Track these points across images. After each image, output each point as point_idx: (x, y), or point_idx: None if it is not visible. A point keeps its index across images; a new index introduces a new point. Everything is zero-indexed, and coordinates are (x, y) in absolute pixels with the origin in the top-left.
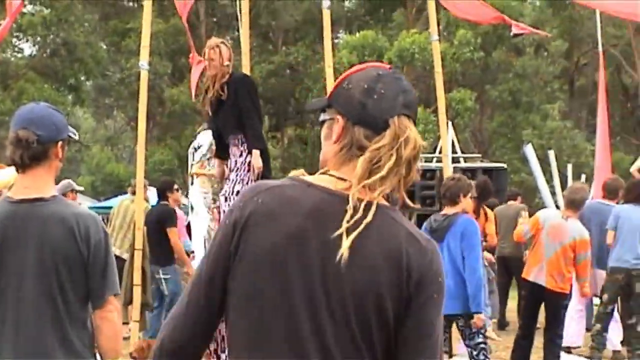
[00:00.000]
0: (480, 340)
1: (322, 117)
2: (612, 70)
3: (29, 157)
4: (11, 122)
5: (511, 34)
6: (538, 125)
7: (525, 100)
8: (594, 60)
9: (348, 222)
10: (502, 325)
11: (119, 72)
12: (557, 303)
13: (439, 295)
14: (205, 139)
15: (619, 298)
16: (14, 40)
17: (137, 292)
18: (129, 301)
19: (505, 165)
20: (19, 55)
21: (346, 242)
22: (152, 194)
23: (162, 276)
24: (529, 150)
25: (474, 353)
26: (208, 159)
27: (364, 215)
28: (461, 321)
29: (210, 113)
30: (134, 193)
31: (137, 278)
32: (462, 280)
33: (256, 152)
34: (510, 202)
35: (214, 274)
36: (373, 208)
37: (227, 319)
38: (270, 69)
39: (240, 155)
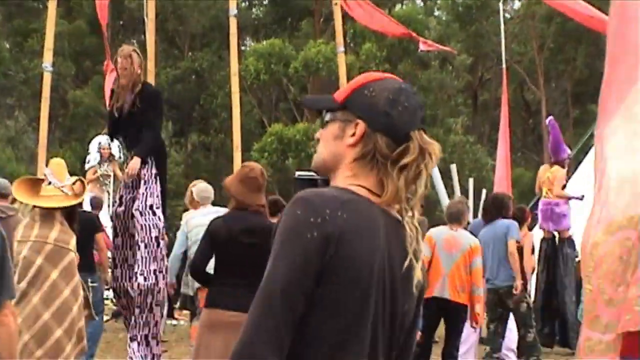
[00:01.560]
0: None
1: (329, 116)
2: (515, 87)
3: None
4: None
5: (419, 50)
6: (441, 138)
7: (429, 114)
8: (497, 75)
9: (411, 246)
10: None
11: (21, 72)
12: (458, 315)
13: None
14: (93, 145)
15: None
16: None
17: None
18: None
19: None
20: None
21: (418, 271)
22: None
23: (90, 285)
24: None
25: None
26: (99, 163)
27: (418, 240)
28: None
29: (117, 120)
30: None
31: None
32: None
33: (137, 160)
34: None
35: (306, 286)
36: (420, 232)
37: (305, 326)
38: (175, 74)
39: (146, 167)
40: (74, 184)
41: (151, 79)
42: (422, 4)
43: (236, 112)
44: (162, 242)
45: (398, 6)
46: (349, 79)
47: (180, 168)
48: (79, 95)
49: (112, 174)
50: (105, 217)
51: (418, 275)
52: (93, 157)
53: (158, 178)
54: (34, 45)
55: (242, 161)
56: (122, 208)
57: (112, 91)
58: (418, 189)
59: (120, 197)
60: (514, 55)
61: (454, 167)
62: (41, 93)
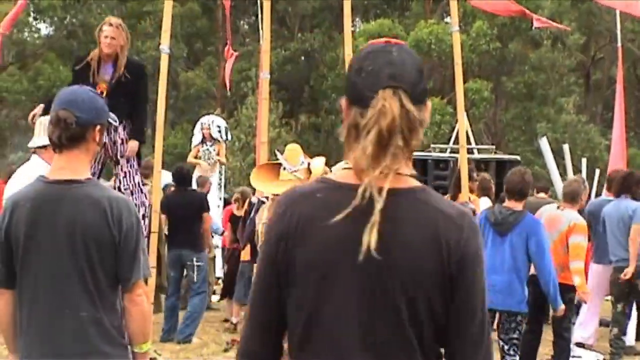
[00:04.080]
0: (515, 336)
1: None
2: (629, 65)
3: (66, 137)
4: (53, 103)
5: (533, 27)
6: (552, 118)
7: (541, 93)
8: (610, 54)
9: (369, 215)
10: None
11: (134, 54)
12: (561, 295)
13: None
14: (197, 125)
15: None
16: (31, 20)
17: (151, 274)
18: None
19: (518, 157)
20: (36, 35)
21: (366, 237)
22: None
23: (195, 263)
24: (544, 143)
25: (505, 347)
26: (202, 142)
27: (371, 204)
28: (504, 315)
29: (87, 81)
30: (144, 177)
31: (152, 260)
32: (519, 277)
33: (136, 143)
34: (541, 195)
35: (273, 289)
36: (383, 194)
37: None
38: (286, 55)
39: (123, 143)
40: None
41: (266, 59)
42: None
43: None
44: (146, 220)
45: None
46: (461, 58)
47: None
48: (190, 77)
49: (216, 156)
50: (213, 197)
51: (365, 242)
52: (196, 137)
53: (138, 155)
54: (146, 27)
55: None
56: None
57: (87, 62)
58: (367, 149)
59: (94, 174)
60: (627, 34)
61: (566, 147)
62: (156, 74)
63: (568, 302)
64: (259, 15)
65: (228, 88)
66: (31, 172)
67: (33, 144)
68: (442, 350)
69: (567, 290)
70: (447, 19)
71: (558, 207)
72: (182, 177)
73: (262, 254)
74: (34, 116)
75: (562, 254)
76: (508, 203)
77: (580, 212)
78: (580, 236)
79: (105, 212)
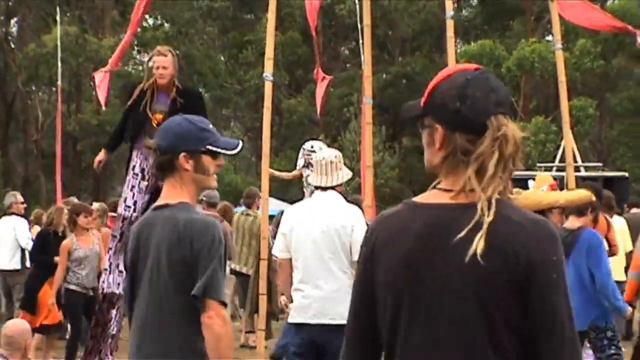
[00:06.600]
0: (612, 351)
1: (420, 124)
2: None
3: (156, 165)
4: None
5: (637, 44)
6: None
7: None
8: None
9: (472, 229)
10: (628, 335)
11: (236, 84)
12: None
13: (558, 275)
14: (301, 150)
15: None
16: (135, 53)
17: (262, 301)
18: (255, 310)
19: (626, 174)
20: (140, 68)
21: (480, 244)
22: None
23: None
24: None
25: None
26: (304, 166)
27: (482, 220)
28: (592, 334)
29: (139, 110)
30: (247, 206)
31: (262, 287)
32: (588, 296)
33: None
34: (633, 210)
35: (366, 302)
36: (489, 207)
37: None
38: (387, 78)
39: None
40: None
41: (368, 85)
42: None
43: None
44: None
45: (610, 1)
46: (565, 75)
47: (394, 172)
48: (292, 104)
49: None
50: None
51: (478, 248)
52: (300, 162)
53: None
54: (248, 56)
55: None
56: (137, 214)
57: (142, 90)
58: (488, 171)
59: (135, 203)
60: None
61: None
62: (257, 102)
63: None
64: (360, 41)
65: (319, 112)
66: (337, 204)
67: (329, 182)
68: None
69: None
70: (549, 37)
71: None
72: None
73: (357, 275)
74: (99, 162)
75: None
76: (567, 222)
77: None
78: None
79: (178, 232)
